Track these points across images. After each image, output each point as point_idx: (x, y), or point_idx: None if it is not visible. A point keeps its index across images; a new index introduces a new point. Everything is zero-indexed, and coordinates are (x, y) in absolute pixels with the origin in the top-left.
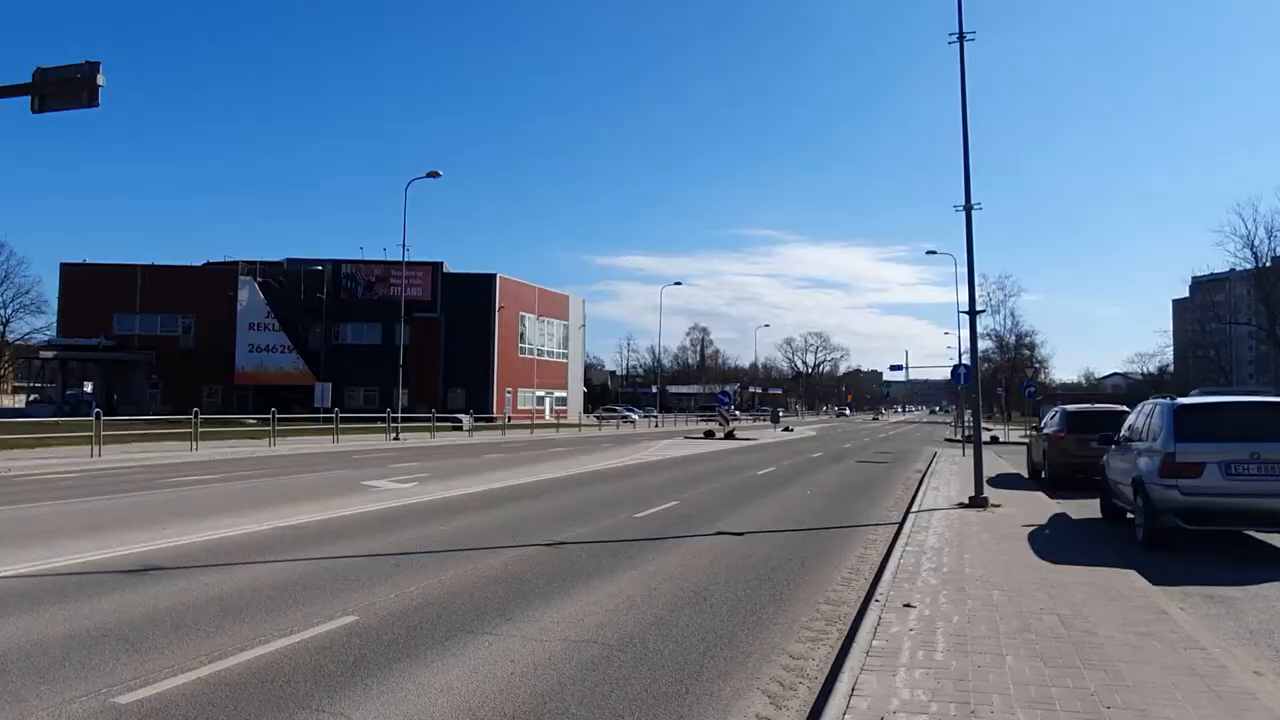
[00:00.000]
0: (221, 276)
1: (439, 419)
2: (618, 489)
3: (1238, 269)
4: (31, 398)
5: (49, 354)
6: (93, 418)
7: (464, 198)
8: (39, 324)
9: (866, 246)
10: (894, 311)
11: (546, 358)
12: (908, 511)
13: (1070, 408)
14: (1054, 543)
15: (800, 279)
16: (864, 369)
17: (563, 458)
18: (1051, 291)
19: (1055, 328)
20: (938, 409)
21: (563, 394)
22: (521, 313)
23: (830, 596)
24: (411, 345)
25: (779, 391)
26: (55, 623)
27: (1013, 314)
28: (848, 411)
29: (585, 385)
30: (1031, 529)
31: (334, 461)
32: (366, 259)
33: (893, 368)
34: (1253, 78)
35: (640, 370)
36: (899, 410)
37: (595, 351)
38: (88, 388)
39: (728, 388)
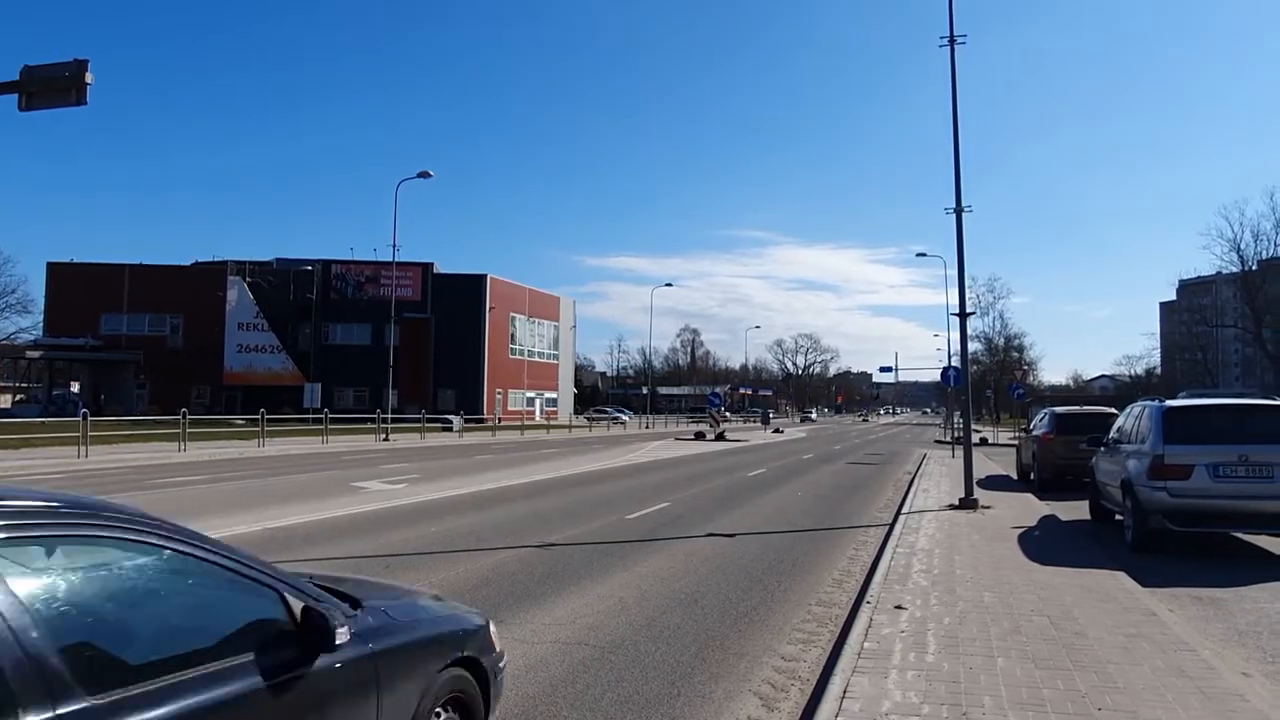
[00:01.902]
0: (210, 276)
1: (429, 420)
2: (609, 490)
3: (1224, 272)
4: (17, 398)
5: (35, 354)
6: (79, 418)
7: (455, 198)
8: (25, 324)
9: (856, 248)
10: (884, 313)
11: (537, 359)
12: (898, 513)
13: (1059, 410)
14: (1043, 544)
15: (790, 280)
16: (854, 370)
17: (553, 459)
18: (1040, 293)
19: (1044, 330)
20: (927, 410)
21: (553, 395)
22: (512, 313)
23: (822, 598)
24: (401, 346)
25: (769, 393)
26: None
27: (1002, 316)
28: (814, 415)
29: (576, 386)
30: (1021, 530)
31: (323, 462)
32: (356, 259)
33: (882, 369)
34: (1243, 80)
35: (631, 371)
36: (882, 412)
37: (586, 352)
38: (74, 388)
39: (718, 389)
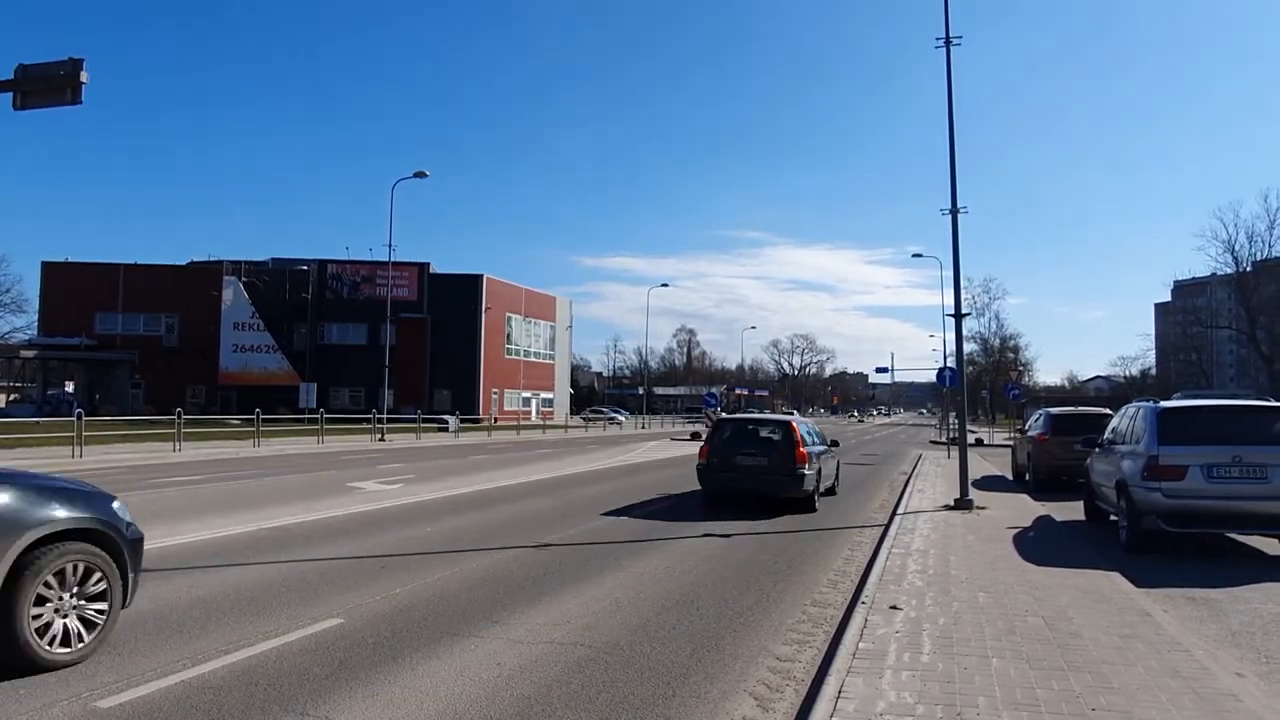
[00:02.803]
0: (206, 276)
1: (425, 420)
2: (605, 490)
3: (1218, 273)
4: (12, 398)
5: (30, 353)
6: (74, 418)
7: (452, 198)
8: (19, 323)
9: (853, 249)
10: (880, 314)
11: (533, 359)
12: (893, 513)
13: (1054, 410)
14: (1038, 545)
15: (787, 281)
16: (850, 371)
17: (549, 459)
18: (1035, 294)
19: (1039, 330)
20: (923, 411)
21: (549, 395)
22: (508, 314)
23: (817, 598)
24: (398, 346)
25: (766, 393)
26: None
27: (997, 317)
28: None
29: (572, 387)
30: (1016, 531)
31: (319, 462)
32: (352, 259)
33: (878, 370)
34: (1238, 81)
35: (627, 372)
36: (876, 413)
37: (582, 353)
38: (69, 387)
39: (714, 389)
